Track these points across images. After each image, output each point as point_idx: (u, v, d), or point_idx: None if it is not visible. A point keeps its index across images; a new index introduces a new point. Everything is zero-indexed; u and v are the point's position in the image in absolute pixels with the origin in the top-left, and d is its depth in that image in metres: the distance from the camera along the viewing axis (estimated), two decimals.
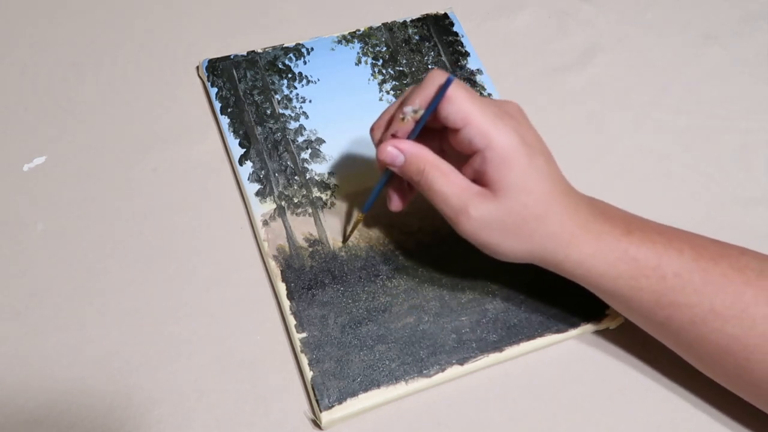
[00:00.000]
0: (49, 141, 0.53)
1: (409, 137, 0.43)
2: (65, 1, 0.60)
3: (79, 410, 0.44)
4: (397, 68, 0.57)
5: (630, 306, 0.43)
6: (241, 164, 0.52)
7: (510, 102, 0.44)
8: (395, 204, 0.46)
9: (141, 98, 0.56)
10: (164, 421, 0.44)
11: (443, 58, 0.58)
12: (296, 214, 0.51)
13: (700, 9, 0.65)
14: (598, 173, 0.55)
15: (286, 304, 0.47)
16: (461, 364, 0.46)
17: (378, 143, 0.44)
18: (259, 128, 0.54)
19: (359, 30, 0.59)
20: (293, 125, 0.54)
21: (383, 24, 0.59)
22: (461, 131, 0.41)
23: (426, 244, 0.50)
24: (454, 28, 0.60)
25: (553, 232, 0.42)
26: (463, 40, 0.59)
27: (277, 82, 0.56)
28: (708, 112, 0.59)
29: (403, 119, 0.43)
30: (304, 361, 0.46)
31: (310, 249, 0.49)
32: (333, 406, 0.44)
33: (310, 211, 0.51)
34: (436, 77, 0.41)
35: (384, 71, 0.57)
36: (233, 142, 0.53)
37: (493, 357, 0.47)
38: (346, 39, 0.58)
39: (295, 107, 0.55)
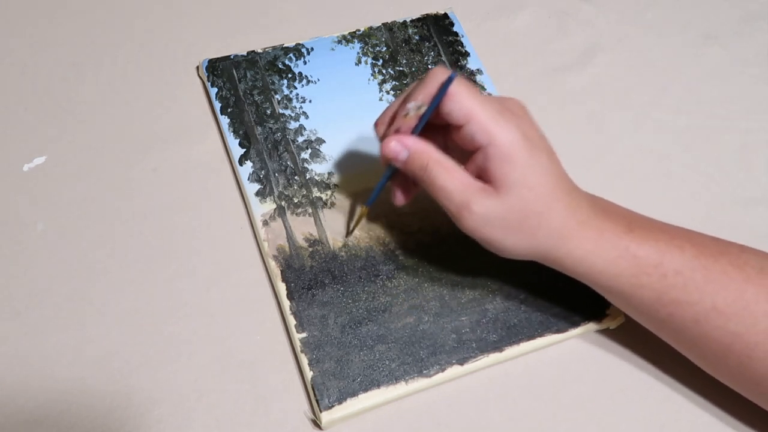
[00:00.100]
0: (49, 141, 0.53)
1: (412, 133, 0.43)
2: (65, 1, 0.60)
3: (79, 410, 0.44)
4: (397, 68, 0.57)
5: (631, 303, 0.43)
6: (241, 164, 0.52)
7: (512, 99, 0.44)
8: (399, 199, 0.46)
9: (141, 98, 0.56)
10: (164, 421, 0.44)
11: (443, 58, 0.58)
12: (296, 214, 0.51)
13: (700, 9, 0.65)
14: (598, 173, 0.55)
15: (286, 304, 0.47)
16: (461, 364, 0.46)
17: (382, 138, 0.45)
18: (259, 128, 0.54)
19: (359, 30, 0.59)
20: (293, 125, 0.54)
21: (383, 24, 0.59)
22: (464, 128, 0.41)
23: (426, 244, 0.50)
24: (454, 28, 0.60)
25: (555, 229, 0.42)
26: (463, 40, 0.59)
27: (277, 82, 0.56)
28: (708, 112, 0.59)
29: (406, 115, 0.43)
30: (304, 361, 0.46)
31: (310, 249, 0.49)
32: (333, 406, 0.44)
33: (310, 211, 0.51)
34: (439, 74, 0.41)
35: (384, 71, 0.57)
36: (233, 142, 0.53)
37: (493, 357, 0.47)
38: (346, 39, 0.58)
39: (295, 107, 0.55)
